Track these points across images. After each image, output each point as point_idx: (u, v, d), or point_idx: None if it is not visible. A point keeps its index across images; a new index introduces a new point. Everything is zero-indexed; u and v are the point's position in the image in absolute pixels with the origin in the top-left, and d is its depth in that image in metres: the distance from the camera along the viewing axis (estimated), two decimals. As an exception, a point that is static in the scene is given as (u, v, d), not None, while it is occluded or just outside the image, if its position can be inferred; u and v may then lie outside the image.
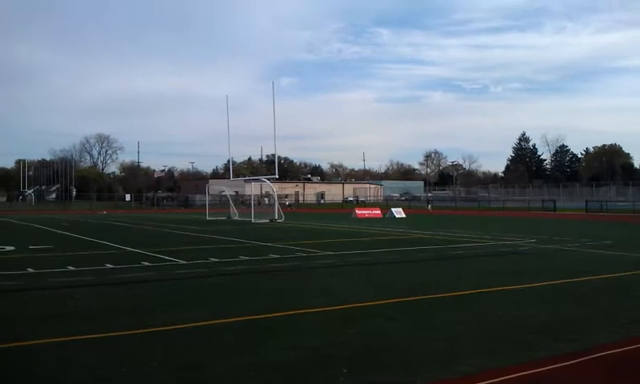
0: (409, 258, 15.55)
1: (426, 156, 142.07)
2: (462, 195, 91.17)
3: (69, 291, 10.13)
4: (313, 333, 7.03)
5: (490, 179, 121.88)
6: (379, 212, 45.27)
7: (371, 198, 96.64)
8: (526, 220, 38.07)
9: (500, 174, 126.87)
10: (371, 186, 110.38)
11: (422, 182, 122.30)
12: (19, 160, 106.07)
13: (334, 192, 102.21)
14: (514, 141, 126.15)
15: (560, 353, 6.01)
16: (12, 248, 18.05)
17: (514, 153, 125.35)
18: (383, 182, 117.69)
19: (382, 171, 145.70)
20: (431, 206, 57.46)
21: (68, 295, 9.73)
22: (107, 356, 6.02)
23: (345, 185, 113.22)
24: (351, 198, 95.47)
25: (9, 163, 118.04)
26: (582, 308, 8.68)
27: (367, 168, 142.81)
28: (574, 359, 5.82)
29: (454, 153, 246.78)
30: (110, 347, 6.39)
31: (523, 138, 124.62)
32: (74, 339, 6.62)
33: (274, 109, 36.61)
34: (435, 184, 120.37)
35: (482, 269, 13.45)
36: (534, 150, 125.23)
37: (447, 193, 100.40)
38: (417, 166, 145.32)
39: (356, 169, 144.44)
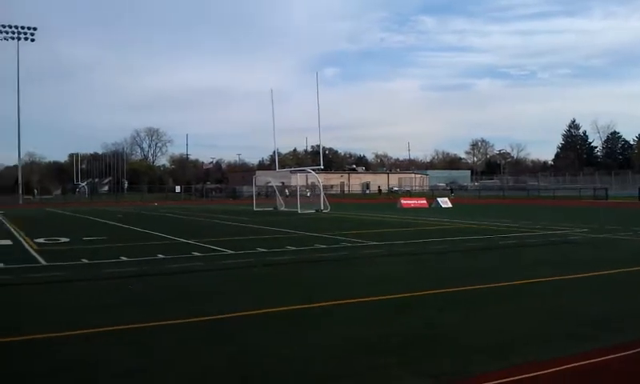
0: (457, 247, 15.40)
1: (473, 145, 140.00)
2: (510, 184, 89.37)
3: (122, 281, 10.43)
4: (360, 323, 7.03)
5: (540, 167, 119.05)
6: (425, 202, 44.88)
7: (416, 187, 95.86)
8: (577, 209, 37.11)
9: (550, 162, 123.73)
10: (416, 175, 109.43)
11: (469, 172, 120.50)
12: (72, 154, 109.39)
13: (379, 182, 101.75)
14: (563, 128, 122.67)
15: (612, 345, 5.87)
16: (67, 239, 18.63)
17: (563, 140, 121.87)
18: (429, 172, 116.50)
19: (428, 161, 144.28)
20: (454, 195, 55.74)
21: (121, 285, 10.04)
22: (160, 344, 6.18)
23: (390, 175, 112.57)
24: (396, 188, 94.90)
25: (62, 157, 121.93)
26: (634, 299, 8.44)
27: (412, 158, 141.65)
28: (625, 351, 5.68)
29: (501, 141, 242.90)
30: (163, 336, 6.55)
31: (573, 125, 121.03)
32: (126, 328, 6.80)
33: (318, 99, 36.67)
34: (482, 173, 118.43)
35: (532, 259, 13.20)
36: (585, 137, 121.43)
37: (495, 182, 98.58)
38: (463, 155, 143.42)
39: (401, 158, 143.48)
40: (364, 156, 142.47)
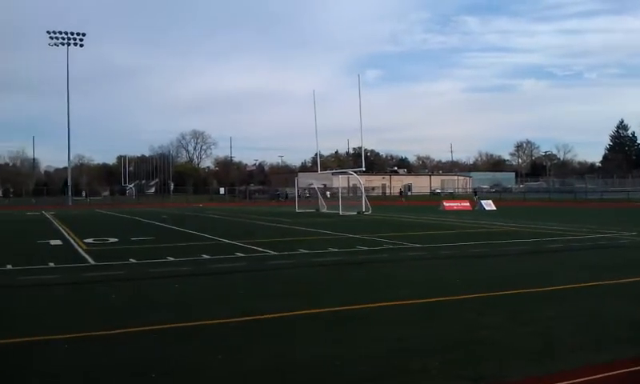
0: (500, 251, 15.20)
1: (517, 146, 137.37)
2: (556, 186, 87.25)
3: (168, 281, 10.71)
4: (401, 325, 7.05)
5: (587, 169, 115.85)
6: (468, 204, 44.31)
7: (459, 190, 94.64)
8: (626, 211, 36.04)
9: (597, 164, 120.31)
10: (459, 177, 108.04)
11: (513, 174, 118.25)
12: (120, 156, 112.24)
13: (421, 184, 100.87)
14: (611, 129, 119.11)
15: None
16: (115, 240, 19.16)
17: (611, 141, 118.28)
18: (472, 174, 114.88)
19: (471, 162, 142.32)
20: (478, 197, 54.10)
21: (168, 285, 10.31)
22: (204, 344, 6.32)
23: (432, 177, 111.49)
24: (438, 190, 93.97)
25: (111, 159, 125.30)
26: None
27: (455, 159, 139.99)
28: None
29: (546, 142, 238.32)
30: (206, 335, 6.71)
31: (621, 126, 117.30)
32: (172, 327, 6.99)
33: (360, 101, 36.66)
34: (527, 175, 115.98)
35: (578, 262, 12.93)
36: (634, 138, 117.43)
37: (540, 184, 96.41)
38: (507, 157, 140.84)
39: (443, 160, 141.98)
40: (406, 158, 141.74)
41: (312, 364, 5.56)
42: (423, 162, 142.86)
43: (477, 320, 7.29)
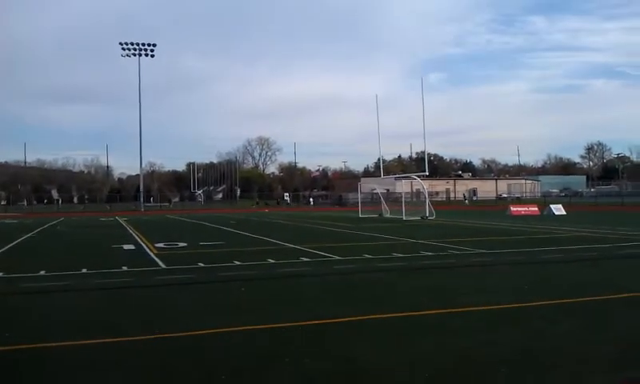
0: (571, 257, 14.72)
1: (588, 148, 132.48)
2: (630, 190, 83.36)
3: (235, 284, 10.94)
4: (466, 332, 6.95)
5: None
6: (536, 209, 43.08)
7: (527, 194, 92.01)
8: None
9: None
10: (527, 181, 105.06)
11: (584, 177, 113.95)
12: (189, 163, 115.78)
13: (487, 188, 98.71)
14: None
15: None
16: (185, 244, 19.73)
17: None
18: (540, 177, 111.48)
19: (539, 166, 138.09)
20: (468, 202, 51.14)
21: (235, 288, 10.54)
22: (269, 346, 6.43)
23: (498, 181, 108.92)
24: (505, 195, 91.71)
25: (180, 166, 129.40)
26: None
27: (522, 163, 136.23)
28: None
29: (619, 144, 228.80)
30: (273, 337, 6.82)
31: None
32: (238, 330, 7.11)
33: (423, 105, 36.38)
34: (599, 178, 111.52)
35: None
36: None
37: (612, 188, 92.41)
38: (578, 160, 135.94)
39: (510, 164, 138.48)
40: (470, 162, 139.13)
41: (378, 369, 5.56)
42: (488, 165, 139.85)
43: (548, 327, 7.09)
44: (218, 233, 26.60)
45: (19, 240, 23.02)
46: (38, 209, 78.13)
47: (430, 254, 15.61)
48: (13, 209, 74.30)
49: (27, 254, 17.51)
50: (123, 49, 73.72)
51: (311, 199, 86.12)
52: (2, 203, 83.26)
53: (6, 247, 19.54)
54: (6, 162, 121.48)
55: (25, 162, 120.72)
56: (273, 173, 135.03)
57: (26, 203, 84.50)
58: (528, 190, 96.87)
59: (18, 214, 60.93)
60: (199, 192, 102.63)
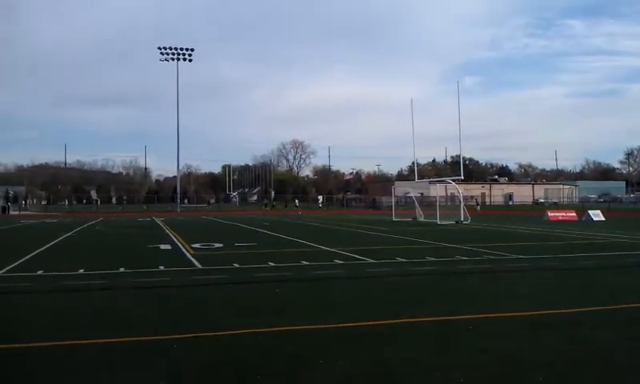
0: (609, 263, 14.40)
1: (628, 154, 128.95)
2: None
3: (270, 285, 11.02)
4: (504, 338, 6.86)
5: None
6: (574, 214, 42.25)
7: (565, 199, 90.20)
8: None
9: None
10: (564, 186, 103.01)
11: (624, 183, 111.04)
12: (225, 165, 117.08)
13: (524, 193, 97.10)
14: None
15: None
16: (220, 245, 19.96)
17: None
18: (578, 183, 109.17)
19: (577, 171, 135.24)
20: (479, 207, 49.17)
21: (269, 289, 10.61)
22: (304, 347, 6.45)
23: (535, 186, 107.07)
24: (542, 200, 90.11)
25: (216, 168, 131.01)
26: None
27: (560, 168, 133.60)
28: None
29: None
30: (308, 339, 6.85)
31: None
32: (273, 330, 7.16)
33: (459, 109, 36.01)
34: (639, 184, 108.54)
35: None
36: None
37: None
38: (617, 165, 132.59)
39: (547, 169, 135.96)
40: (506, 166, 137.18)
41: (413, 373, 5.54)
42: (525, 170, 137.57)
43: (588, 335, 6.97)
44: (253, 234, 26.80)
45: (59, 239, 23.60)
46: (77, 209, 79.98)
47: (464, 258, 15.44)
48: (53, 208, 76.22)
49: (67, 253, 17.94)
50: (162, 53, 74.96)
51: (320, 199, 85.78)
52: (43, 203, 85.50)
53: (46, 246, 20.05)
54: (46, 163, 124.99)
55: (65, 163, 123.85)
56: (307, 176, 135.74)
57: (66, 203, 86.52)
58: (566, 196, 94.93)
59: (58, 214, 62.53)
60: (234, 194, 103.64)
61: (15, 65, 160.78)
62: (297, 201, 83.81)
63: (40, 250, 18.46)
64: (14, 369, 5.80)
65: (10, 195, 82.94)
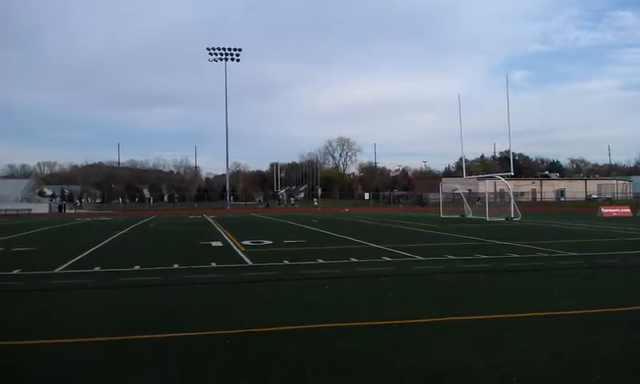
0: (669, 261, 13.95)
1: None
2: None
3: (320, 282, 11.12)
4: (557, 336, 6.75)
5: None
6: (629, 210, 40.96)
7: (618, 195, 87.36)
8: None
9: None
10: (618, 181, 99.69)
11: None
12: (273, 163, 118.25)
13: (576, 189, 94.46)
14: None
15: None
16: (270, 242, 20.24)
17: None
18: (632, 178, 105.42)
19: (631, 165, 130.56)
20: (480, 203, 46.74)
21: (319, 286, 10.70)
22: (352, 343, 6.47)
23: (587, 181, 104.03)
24: (595, 196, 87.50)
25: (264, 166, 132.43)
26: None
27: (613, 162, 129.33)
28: None
29: None
30: (356, 335, 6.88)
31: None
32: (322, 327, 7.24)
33: (508, 104, 35.39)
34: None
35: None
36: None
37: None
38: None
39: (600, 164, 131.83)
40: (557, 161, 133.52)
41: (460, 371, 5.50)
42: (577, 165, 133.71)
43: (642, 335, 6.81)
44: (302, 231, 27.04)
45: (114, 236, 24.38)
46: (130, 207, 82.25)
47: (516, 255, 15.22)
48: (107, 207, 78.65)
49: (122, 250, 18.53)
50: (210, 54, 76.40)
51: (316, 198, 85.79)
52: (97, 201, 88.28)
53: (102, 243, 20.76)
54: (100, 163, 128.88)
55: (118, 163, 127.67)
56: (353, 173, 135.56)
57: (119, 201, 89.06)
58: (619, 191, 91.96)
59: (112, 212, 64.54)
60: (282, 192, 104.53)
61: (71, 68, 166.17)
62: (315, 199, 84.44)
63: (96, 247, 19.13)
64: (91, 361, 6.06)
65: (66, 194, 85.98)
